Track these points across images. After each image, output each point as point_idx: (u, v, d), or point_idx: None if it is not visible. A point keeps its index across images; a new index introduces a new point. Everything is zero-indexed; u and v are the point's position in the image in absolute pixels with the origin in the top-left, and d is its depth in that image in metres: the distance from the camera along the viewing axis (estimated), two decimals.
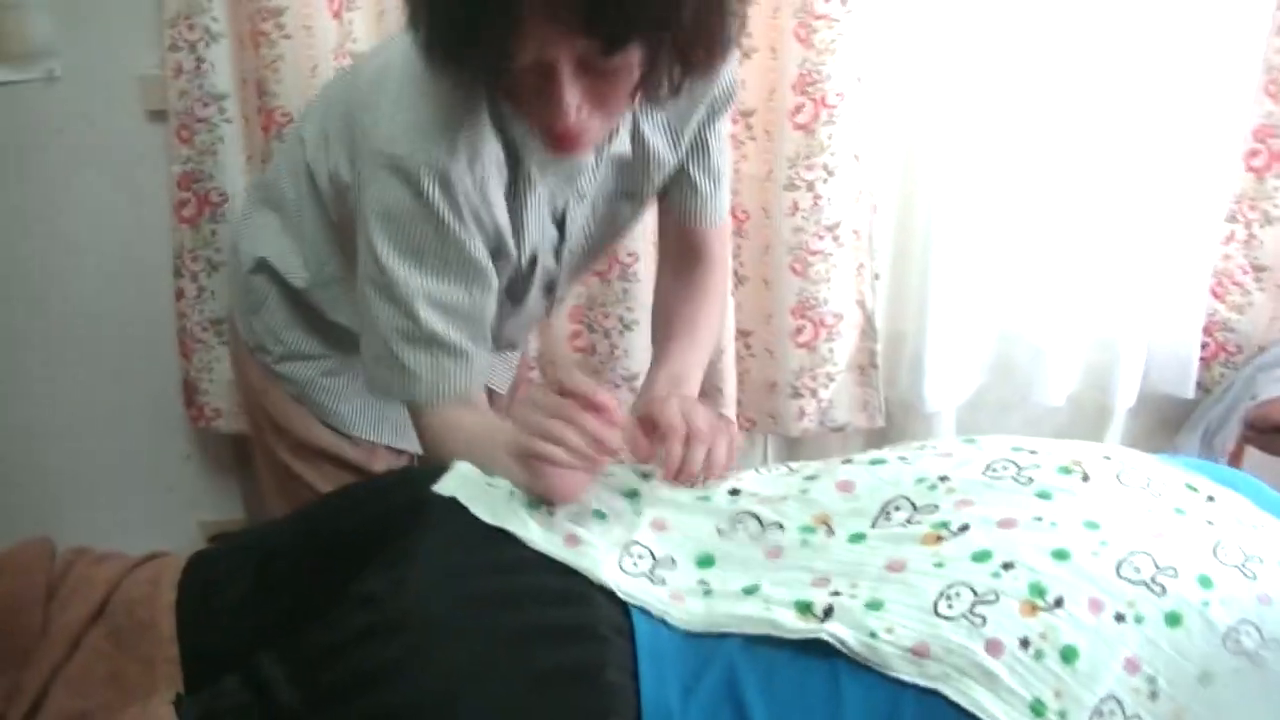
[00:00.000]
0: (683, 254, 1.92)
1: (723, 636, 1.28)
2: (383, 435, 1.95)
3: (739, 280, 2.60)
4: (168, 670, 1.44)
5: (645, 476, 1.55)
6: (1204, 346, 2.78)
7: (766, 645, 1.26)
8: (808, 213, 2.47)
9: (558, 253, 1.77)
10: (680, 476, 1.51)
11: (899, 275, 2.72)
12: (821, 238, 2.49)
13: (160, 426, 2.79)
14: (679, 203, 1.86)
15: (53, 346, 2.68)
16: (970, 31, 2.45)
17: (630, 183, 1.76)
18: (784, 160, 2.44)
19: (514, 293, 1.75)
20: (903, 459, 1.51)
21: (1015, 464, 1.43)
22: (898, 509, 1.40)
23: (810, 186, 2.45)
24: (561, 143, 1.47)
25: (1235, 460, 2.70)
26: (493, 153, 1.56)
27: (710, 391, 2.59)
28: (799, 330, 2.59)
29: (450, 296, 1.59)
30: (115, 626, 1.50)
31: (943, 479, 1.42)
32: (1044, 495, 1.36)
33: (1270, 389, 2.60)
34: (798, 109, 2.39)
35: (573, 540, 1.38)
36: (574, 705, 1.21)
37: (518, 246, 1.66)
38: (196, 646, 1.46)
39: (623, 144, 1.69)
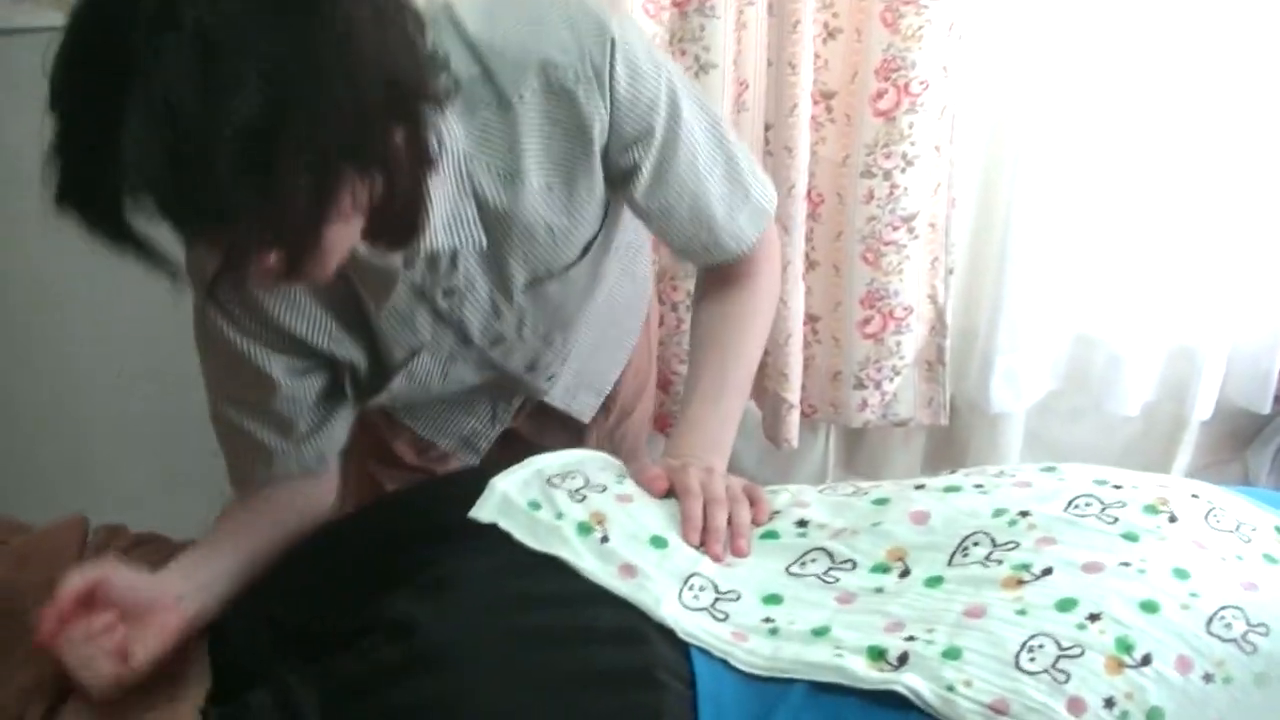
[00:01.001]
0: (710, 276, 1.74)
1: (789, 681, 1.21)
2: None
3: (810, 264, 2.54)
4: (196, 672, 1.40)
5: None
6: None
7: (834, 693, 1.19)
8: (883, 201, 2.40)
9: (470, 349, 1.63)
10: (707, 540, 1.41)
11: (974, 271, 2.66)
12: (896, 228, 2.42)
13: (205, 395, 2.77)
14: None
15: (104, 304, 2.66)
16: (1059, 30, 2.37)
17: (532, 263, 1.54)
18: (862, 146, 2.37)
19: (363, 389, 1.65)
20: (979, 488, 1.44)
21: (1099, 500, 1.36)
22: (976, 544, 1.33)
23: (887, 175, 2.38)
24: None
25: None
26: None
27: (774, 376, 2.54)
28: (866, 320, 2.53)
29: (244, 395, 1.59)
30: None
31: (1023, 514, 1.35)
32: (1130, 537, 1.29)
33: None
34: (880, 95, 2.32)
35: (628, 571, 1.31)
36: None
37: (371, 351, 1.59)
38: (225, 651, 1.43)
39: (442, 239, 1.43)
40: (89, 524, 1.69)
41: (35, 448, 2.80)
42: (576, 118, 1.42)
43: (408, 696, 1.19)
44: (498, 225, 1.47)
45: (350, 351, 1.57)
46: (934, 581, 1.31)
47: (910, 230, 2.44)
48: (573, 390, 1.89)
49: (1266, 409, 2.73)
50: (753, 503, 1.47)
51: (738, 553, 1.40)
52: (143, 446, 2.81)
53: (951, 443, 2.80)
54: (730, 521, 1.43)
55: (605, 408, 1.96)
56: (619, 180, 1.51)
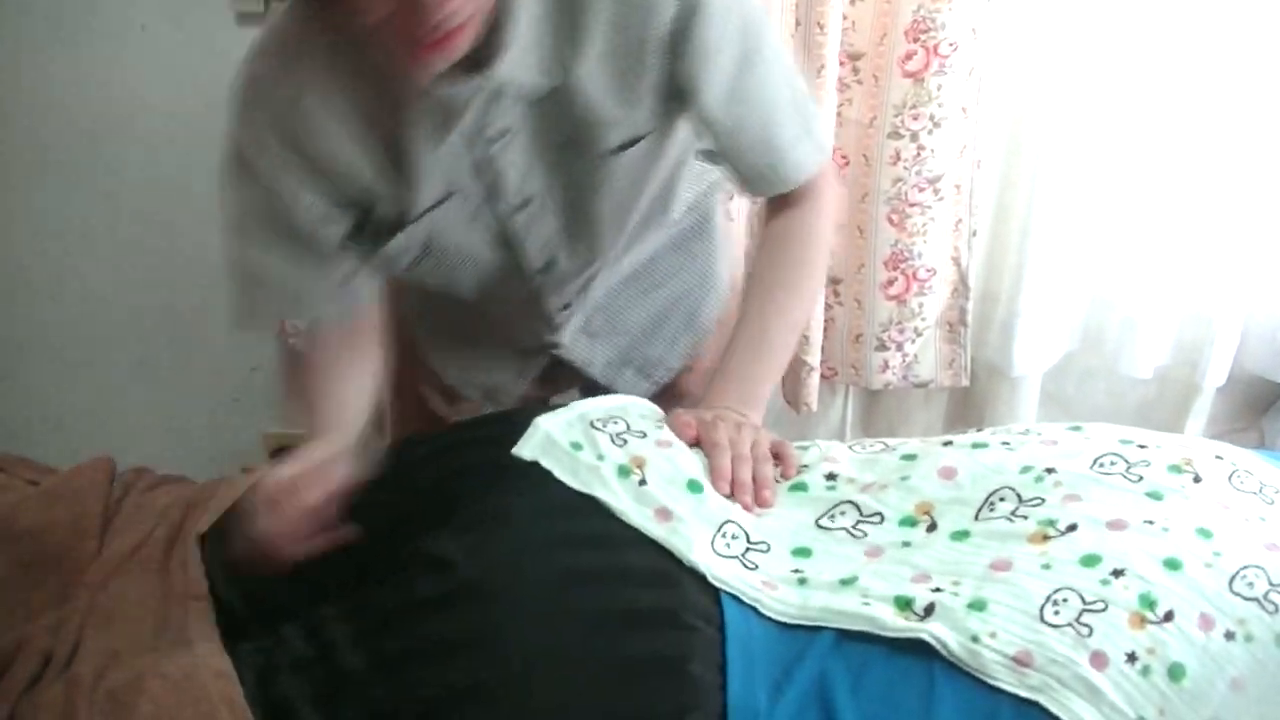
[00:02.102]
0: (769, 229, 1.71)
1: (816, 629, 1.23)
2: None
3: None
4: (196, 608, 1.41)
5: None
6: None
7: (861, 641, 1.21)
8: (909, 163, 2.41)
9: (497, 207, 1.60)
10: (735, 493, 1.42)
11: (998, 234, 2.66)
12: (922, 190, 2.43)
13: (229, 336, 2.77)
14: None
15: (121, 248, 2.67)
16: None
17: (570, 133, 1.53)
18: (890, 107, 2.37)
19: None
20: (1006, 444, 1.45)
21: (1124, 459, 1.37)
22: (1002, 499, 1.35)
23: (914, 136, 2.38)
24: (431, 39, 1.28)
25: None
26: (349, 87, 1.45)
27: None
28: (890, 282, 2.54)
29: (269, 234, 1.54)
30: (155, 560, 1.48)
31: (1049, 471, 1.37)
32: (1155, 496, 1.31)
33: None
34: (909, 56, 2.32)
35: (664, 515, 1.33)
36: (654, 698, 1.17)
37: (400, 195, 1.55)
38: (249, 586, 1.43)
39: (519, 71, 1.43)
40: (115, 465, 1.70)
41: (57, 395, 2.83)
42: (644, 6, 1.42)
43: (444, 629, 1.21)
44: (555, 86, 1.47)
45: (380, 187, 1.54)
46: (960, 535, 1.33)
47: (936, 192, 2.44)
48: (616, 366, 1.90)
49: None
50: (781, 458, 1.49)
51: (762, 503, 1.42)
52: (161, 393, 2.82)
53: (969, 404, 2.82)
54: (755, 477, 1.44)
55: (674, 400, 1.95)
56: (691, 90, 1.50)
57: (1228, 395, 2.81)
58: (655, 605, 1.23)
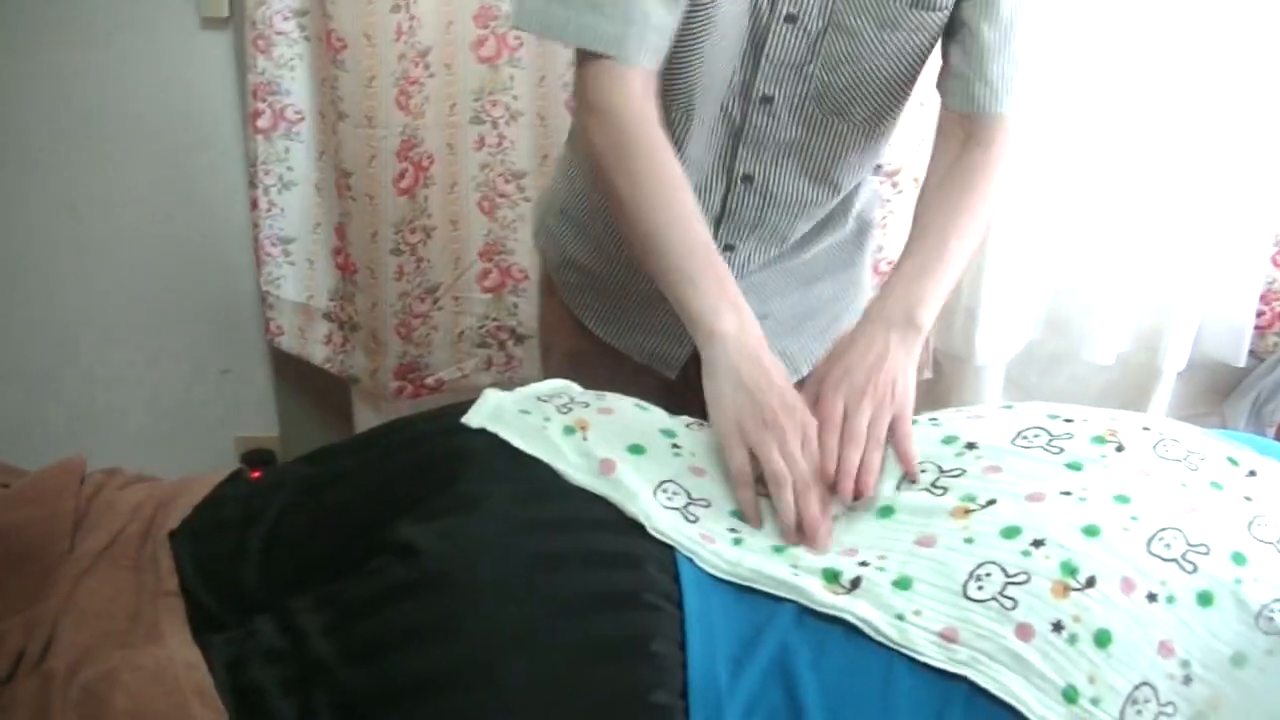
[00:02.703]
0: (949, 141, 1.74)
1: (775, 604, 1.25)
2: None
3: None
4: (167, 604, 1.42)
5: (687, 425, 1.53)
6: (1259, 315, 2.76)
7: (820, 619, 1.23)
8: None
9: (763, 22, 1.60)
10: (834, 482, 1.39)
11: None
12: (882, 183, 2.46)
13: (200, 339, 2.80)
14: (944, 78, 1.71)
15: (91, 255, 2.69)
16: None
17: None
18: None
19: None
20: (933, 420, 1.49)
21: (1047, 432, 1.40)
22: (923, 471, 1.39)
23: None
24: None
25: None
26: None
27: None
28: None
29: None
30: (127, 557, 1.50)
31: (970, 446, 1.40)
32: (1074, 466, 1.34)
33: None
34: None
35: (609, 466, 1.36)
36: (619, 676, 1.18)
37: None
38: (220, 581, 1.45)
39: None
40: (85, 465, 1.71)
41: (26, 402, 2.84)
42: None
43: (412, 617, 1.23)
44: None
45: None
46: (886, 512, 1.36)
47: (895, 185, 2.47)
48: None
49: (1241, 362, 2.77)
50: (896, 436, 1.46)
51: (860, 491, 1.40)
52: (131, 398, 2.83)
53: (934, 394, 2.84)
54: (863, 461, 1.42)
55: None
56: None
57: (1189, 380, 2.85)
58: (618, 587, 1.25)
